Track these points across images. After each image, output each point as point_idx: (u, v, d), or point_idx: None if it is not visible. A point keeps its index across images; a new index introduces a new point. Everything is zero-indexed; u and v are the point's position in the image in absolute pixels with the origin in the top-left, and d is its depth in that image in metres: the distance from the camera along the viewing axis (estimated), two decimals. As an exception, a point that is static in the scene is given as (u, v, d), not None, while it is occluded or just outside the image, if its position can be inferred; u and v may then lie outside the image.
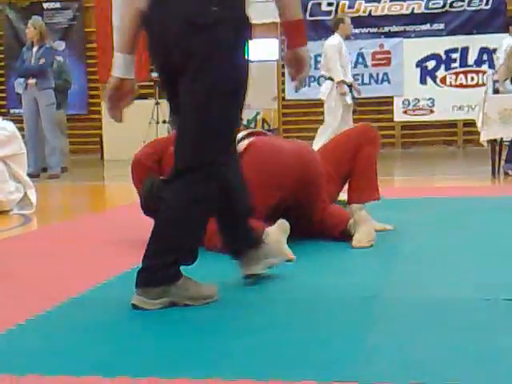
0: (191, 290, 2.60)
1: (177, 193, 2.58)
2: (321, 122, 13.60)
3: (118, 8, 2.80)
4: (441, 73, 13.04)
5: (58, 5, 14.11)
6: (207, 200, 2.59)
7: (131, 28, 2.73)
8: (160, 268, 2.56)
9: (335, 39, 9.15)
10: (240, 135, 3.84)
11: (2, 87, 14.25)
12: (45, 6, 14.12)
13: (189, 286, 2.60)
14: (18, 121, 8.13)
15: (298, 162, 3.69)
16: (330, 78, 9.02)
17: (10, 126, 5.61)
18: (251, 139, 3.78)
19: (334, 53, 8.99)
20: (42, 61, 8.90)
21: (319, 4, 13.33)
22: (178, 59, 2.55)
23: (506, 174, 7.67)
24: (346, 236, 3.70)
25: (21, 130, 5.86)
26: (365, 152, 4.00)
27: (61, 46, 13.40)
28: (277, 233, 3.31)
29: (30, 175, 8.79)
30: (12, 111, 13.98)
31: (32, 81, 8.91)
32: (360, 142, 4.04)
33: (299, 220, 3.65)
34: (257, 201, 3.49)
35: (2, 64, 14.38)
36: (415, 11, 13.02)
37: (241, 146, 3.73)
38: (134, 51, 2.76)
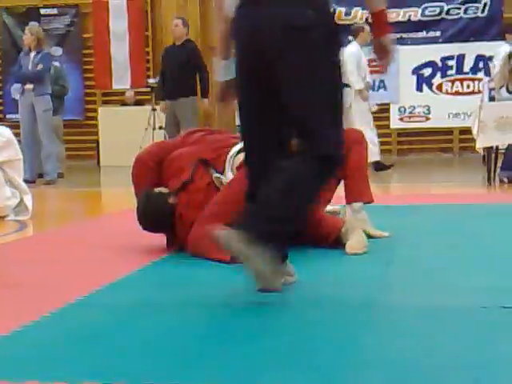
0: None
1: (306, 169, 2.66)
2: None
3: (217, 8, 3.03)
4: (437, 80, 13.07)
5: (55, 11, 14.12)
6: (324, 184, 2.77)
7: (223, 35, 2.94)
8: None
9: (354, 47, 9.25)
10: (238, 147, 3.85)
11: (-1, 93, 14.25)
12: (42, 11, 14.13)
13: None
14: (14, 126, 8.13)
15: None
16: (347, 85, 9.05)
17: (6, 132, 5.61)
18: None
19: (353, 61, 9.07)
20: (40, 66, 8.90)
21: (316, 11, 13.34)
22: (275, 62, 2.68)
23: (502, 181, 7.68)
24: (339, 243, 3.70)
25: (17, 135, 5.85)
26: (355, 152, 4.00)
27: (58, 51, 13.40)
28: None
29: (26, 181, 8.81)
30: (8, 117, 13.97)
31: (29, 86, 8.91)
32: (348, 143, 4.06)
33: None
34: None
35: (-1, 70, 14.39)
36: (411, 19, 13.05)
37: (240, 157, 3.74)
38: (229, 57, 2.94)
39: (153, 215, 3.81)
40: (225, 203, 3.61)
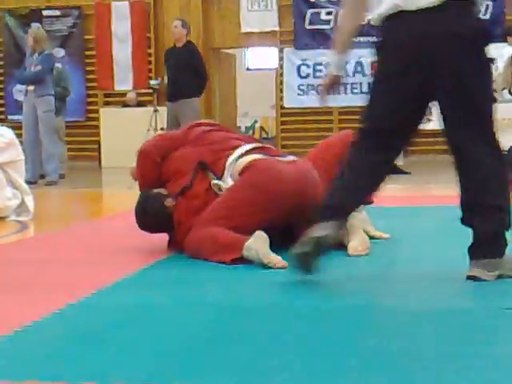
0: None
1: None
2: (319, 129, 13.63)
3: (343, 5, 3.36)
4: (439, 82, 13.06)
5: (57, 12, 14.13)
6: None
7: (349, 33, 3.25)
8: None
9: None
10: (243, 149, 3.81)
11: (1, 94, 14.27)
12: (44, 13, 14.14)
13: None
14: (16, 127, 8.12)
15: (296, 189, 3.64)
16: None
17: (8, 133, 5.61)
18: (253, 158, 3.75)
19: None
20: (38, 68, 8.91)
21: (318, 13, 13.37)
22: (447, 77, 2.90)
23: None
24: (340, 244, 3.68)
25: (19, 136, 5.86)
26: None
27: (60, 53, 13.41)
28: (259, 245, 3.35)
29: (27, 182, 8.85)
30: (10, 118, 13.97)
31: (31, 87, 8.92)
32: (345, 146, 4.07)
33: (291, 231, 3.63)
34: (247, 219, 3.51)
35: (1, 71, 14.40)
36: (414, 20, 13.04)
37: (241, 163, 3.73)
38: (346, 52, 3.35)
39: (150, 216, 3.81)
40: (225, 208, 3.62)
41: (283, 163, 3.75)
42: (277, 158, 3.82)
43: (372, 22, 3.12)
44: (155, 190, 3.85)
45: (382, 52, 3.07)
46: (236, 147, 3.85)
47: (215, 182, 3.76)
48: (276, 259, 3.32)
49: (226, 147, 3.87)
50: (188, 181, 3.78)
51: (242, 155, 3.78)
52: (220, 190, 3.74)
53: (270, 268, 3.29)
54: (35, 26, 9.59)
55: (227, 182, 3.75)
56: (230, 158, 3.79)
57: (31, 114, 8.98)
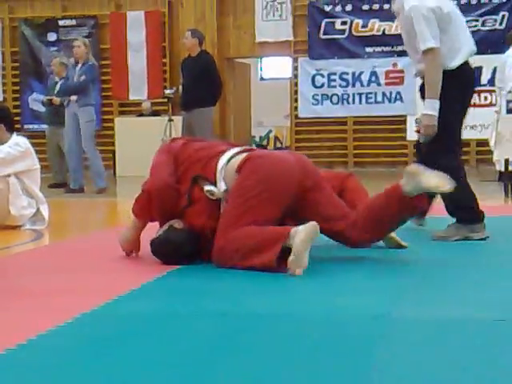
0: None
1: None
2: (333, 139, 13.63)
3: (435, 58, 4.36)
4: (454, 92, 13.02)
5: (73, 22, 14.23)
6: None
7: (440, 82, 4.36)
8: None
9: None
10: (232, 152, 3.82)
11: (17, 103, 14.36)
12: (60, 22, 14.24)
13: None
14: (31, 136, 8.19)
15: (298, 167, 3.71)
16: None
17: (24, 142, 5.65)
18: (245, 154, 3.79)
19: None
20: (82, 78, 9.05)
21: (333, 23, 13.38)
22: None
23: (519, 193, 7.64)
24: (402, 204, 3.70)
25: (35, 145, 5.89)
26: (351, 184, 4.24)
27: (75, 62, 13.48)
28: (302, 240, 3.29)
29: (72, 190, 9.05)
30: (26, 127, 14.07)
31: (73, 97, 9.05)
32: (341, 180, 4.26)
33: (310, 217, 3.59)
34: (264, 207, 3.50)
35: (18, 80, 14.50)
36: (429, 30, 13.02)
37: (234, 163, 3.73)
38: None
39: (173, 244, 3.76)
40: (240, 204, 3.59)
41: (279, 152, 3.84)
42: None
43: (452, 66, 4.38)
44: (170, 226, 3.82)
45: (460, 85, 4.43)
46: (223, 151, 3.85)
47: (207, 188, 3.73)
48: (301, 263, 3.28)
49: (212, 152, 3.87)
50: (186, 201, 3.77)
51: (232, 156, 3.79)
52: (212, 195, 3.72)
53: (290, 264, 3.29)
54: (83, 38, 9.86)
55: (220, 186, 3.73)
56: (220, 163, 3.78)
57: (73, 123, 9.12)
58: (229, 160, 3.77)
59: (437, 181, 3.60)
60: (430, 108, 4.37)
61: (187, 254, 3.71)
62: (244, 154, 3.79)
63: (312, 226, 3.33)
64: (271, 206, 3.56)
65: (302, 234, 3.29)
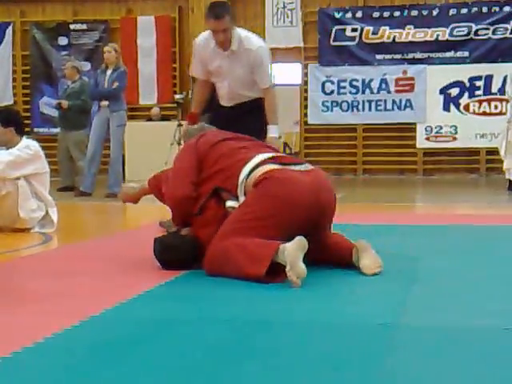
0: None
1: None
2: (343, 146, 13.62)
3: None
4: (464, 100, 13.02)
5: (84, 26, 14.28)
6: None
7: None
8: None
9: None
10: (254, 162, 3.72)
11: (28, 106, 14.41)
12: (71, 26, 14.30)
13: None
14: (41, 140, 8.20)
15: (311, 200, 3.58)
16: None
17: (33, 145, 5.66)
18: (267, 168, 3.66)
19: None
20: (116, 84, 9.11)
21: (343, 30, 13.39)
22: None
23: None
24: (351, 265, 3.66)
25: (44, 149, 5.90)
26: None
27: (86, 66, 13.53)
28: (294, 250, 3.27)
29: (83, 193, 9.11)
30: (36, 130, 14.11)
31: (104, 103, 9.11)
32: None
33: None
34: (264, 232, 3.45)
35: (28, 84, 14.55)
36: (439, 38, 13.04)
37: (255, 175, 3.65)
38: None
39: (172, 251, 3.77)
40: (241, 221, 3.55)
41: (298, 173, 3.66)
42: (291, 166, 3.71)
43: None
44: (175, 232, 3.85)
45: None
46: (245, 160, 3.75)
47: (229, 204, 3.69)
48: (299, 271, 3.23)
49: (237, 161, 3.77)
50: (197, 209, 3.75)
51: (254, 168, 3.70)
52: (234, 210, 3.69)
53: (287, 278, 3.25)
54: (113, 44, 9.92)
55: (241, 201, 3.68)
56: (242, 174, 3.69)
57: (102, 128, 9.19)
58: (250, 171, 3.68)
59: (368, 263, 3.59)
60: (276, 131, 5.35)
61: (186, 261, 3.71)
62: (266, 167, 3.67)
63: (300, 239, 3.31)
64: (273, 232, 3.47)
65: (294, 246, 3.27)
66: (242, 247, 3.43)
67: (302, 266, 3.25)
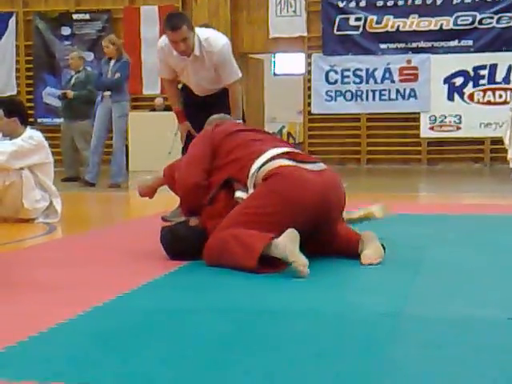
0: None
1: None
2: (346, 136, 13.60)
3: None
4: (468, 89, 12.99)
5: (87, 16, 14.26)
6: None
7: None
8: None
9: None
10: (267, 156, 3.66)
11: (31, 97, 14.40)
12: (74, 16, 14.28)
13: None
14: (45, 130, 8.21)
15: (320, 201, 3.54)
16: None
17: (37, 136, 5.66)
18: (279, 164, 3.60)
19: None
20: (117, 75, 9.14)
21: (347, 19, 13.35)
22: None
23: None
24: (355, 256, 3.65)
25: (48, 139, 5.90)
26: None
27: (89, 56, 13.52)
28: (288, 242, 3.25)
29: (87, 183, 9.15)
30: (40, 121, 14.11)
31: (107, 93, 9.14)
32: None
33: (311, 240, 3.58)
34: (267, 228, 3.42)
35: (31, 74, 14.54)
36: (444, 27, 12.99)
37: (266, 169, 3.60)
38: None
39: (179, 242, 3.77)
40: (245, 214, 3.52)
41: (310, 173, 3.60)
42: (304, 165, 3.65)
43: None
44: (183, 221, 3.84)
45: None
46: (258, 152, 3.71)
47: (238, 195, 3.67)
48: (302, 261, 3.21)
49: (250, 153, 3.74)
50: (208, 198, 3.74)
51: (266, 162, 3.65)
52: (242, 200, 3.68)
53: (293, 270, 3.23)
54: (112, 36, 9.92)
55: (250, 193, 3.65)
56: (254, 167, 3.65)
57: (105, 118, 9.22)
58: (262, 165, 3.63)
59: (368, 253, 3.58)
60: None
61: (194, 252, 3.68)
62: (279, 162, 3.62)
63: (290, 231, 3.29)
64: (276, 229, 3.40)
65: (286, 239, 3.25)
66: (236, 238, 3.43)
67: (302, 256, 3.24)
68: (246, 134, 3.94)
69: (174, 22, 5.07)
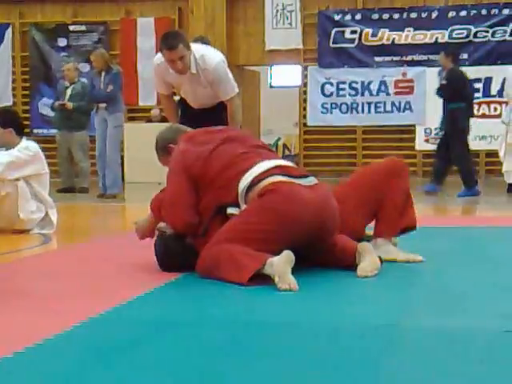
0: None
1: None
2: (341, 148, 13.63)
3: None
4: (463, 102, 12.99)
5: (83, 27, 14.28)
6: None
7: None
8: None
9: None
10: (257, 171, 3.60)
11: (27, 108, 14.40)
12: (70, 28, 14.30)
13: None
14: (40, 141, 8.21)
15: (315, 218, 3.52)
16: None
17: (33, 146, 5.66)
18: (275, 180, 3.55)
19: None
20: (110, 88, 9.17)
21: (342, 32, 13.40)
22: None
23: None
24: (351, 267, 3.64)
25: (44, 150, 5.90)
26: (392, 187, 3.99)
27: (85, 68, 13.53)
28: (282, 263, 3.25)
29: (100, 195, 9.13)
30: (35, 131, 14.11)
31: (102, 105, 9.15)
32: (386, 178, 4.03)
33: (307, 252, 3.58)
34: (261, 245, 3.42)
35: (27, 85, 14.54)
36: (439, 41, 13.04)
37: (265, 182, 3.55)
38: None
39: (173, 255, 3.75)
40: (239, 231, 3.49)
41: (303, 189, 3.56)
42: (298, 180, 3.60)
43: None
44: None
45: None
46: (245, 171, 3.61)
47: (230, 211, 3.62)
48: (291, 282, 3.19)
49: (233, 176, 3.63)
50: (202, 230, 3.69)
51: (257, 177, 3.57)
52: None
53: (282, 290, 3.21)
54: (98, 51, 9.89)
55: (243, 208, 3.60)
56: (242, 184, 3.59)
57: (102, 129, 9.26)
58: (253, 181, 3.56)
59: (364, 266, 3.56)
60: None
61: (188, 266, 3.65)
62: (273, 179, 3.55)
63: (287, 253, 3.28)
64: (271, 246, 3.39)
65: (281, 259, 3.25)
66: (230, 255, 3.41)
67: (291, 277, 3.23)
68: (224, 150, 3.74)
69: (171, 42, 5.07)
